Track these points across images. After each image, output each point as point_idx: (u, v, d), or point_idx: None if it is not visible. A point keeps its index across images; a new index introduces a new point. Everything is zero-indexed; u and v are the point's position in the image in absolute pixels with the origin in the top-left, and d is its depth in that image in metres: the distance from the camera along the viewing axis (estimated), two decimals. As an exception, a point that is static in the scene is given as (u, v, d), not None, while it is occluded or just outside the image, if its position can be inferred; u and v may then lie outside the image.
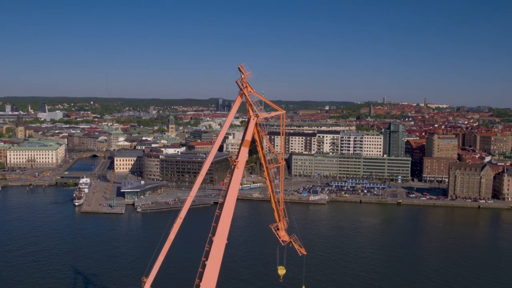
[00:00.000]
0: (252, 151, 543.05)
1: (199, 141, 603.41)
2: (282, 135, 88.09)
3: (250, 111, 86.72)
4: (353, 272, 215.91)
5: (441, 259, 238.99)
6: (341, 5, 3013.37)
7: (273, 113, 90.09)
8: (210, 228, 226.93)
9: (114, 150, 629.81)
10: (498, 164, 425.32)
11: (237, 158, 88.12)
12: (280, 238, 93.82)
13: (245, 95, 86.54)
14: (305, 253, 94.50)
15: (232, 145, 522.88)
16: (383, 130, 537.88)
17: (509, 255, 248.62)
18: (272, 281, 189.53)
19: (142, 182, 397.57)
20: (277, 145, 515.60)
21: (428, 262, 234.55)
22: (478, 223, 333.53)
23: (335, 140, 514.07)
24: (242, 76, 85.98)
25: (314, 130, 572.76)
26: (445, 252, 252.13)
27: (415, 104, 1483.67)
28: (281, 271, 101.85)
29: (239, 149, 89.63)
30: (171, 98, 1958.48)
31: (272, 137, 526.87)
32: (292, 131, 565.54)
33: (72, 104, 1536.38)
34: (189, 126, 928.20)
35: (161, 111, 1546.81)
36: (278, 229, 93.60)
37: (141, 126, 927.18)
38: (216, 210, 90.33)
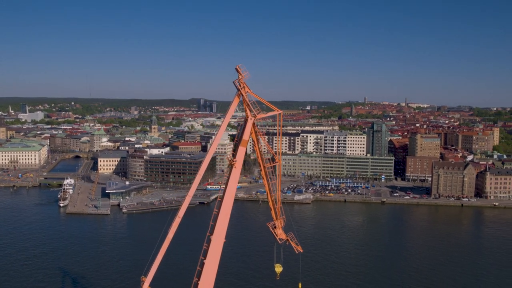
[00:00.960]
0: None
1: (182, 141, 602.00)
2: (279, 135, 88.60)
3: (248, 111, 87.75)
4: (339, 271, 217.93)
5: (426, 257, 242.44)
6: (320, 4, 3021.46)
7: (270, 113, 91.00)
8: (195, 228, 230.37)
9: (97, 151, 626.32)
10: (480, 163, 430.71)
11: (234, 157, 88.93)
12: (277, 236, 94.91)
13: (242, 95, 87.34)
14: (301, 251, 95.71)
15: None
16: (366, 129, 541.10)
17: (491, 253, 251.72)
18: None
19: (127, 182, 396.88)
20: (261, 145, 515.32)
21: (412, 260, 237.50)
22: (461, 221, 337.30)
23: (319, 140, 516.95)
24: (240, 76, 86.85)
25: (298, 130, 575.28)
26: (429, 250, 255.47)
27: (396, 104, 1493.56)
28: (278, 269, 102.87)
29: (236, 148, 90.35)
30: (152, 98, 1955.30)
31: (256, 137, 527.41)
32: (275, 131, 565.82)
33: (53, 104, 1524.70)
34: (171, 126, 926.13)
35: (142, 112, 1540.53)
36: (275, 227, 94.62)
37: (123, 127, 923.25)
38: (214, 209, 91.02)
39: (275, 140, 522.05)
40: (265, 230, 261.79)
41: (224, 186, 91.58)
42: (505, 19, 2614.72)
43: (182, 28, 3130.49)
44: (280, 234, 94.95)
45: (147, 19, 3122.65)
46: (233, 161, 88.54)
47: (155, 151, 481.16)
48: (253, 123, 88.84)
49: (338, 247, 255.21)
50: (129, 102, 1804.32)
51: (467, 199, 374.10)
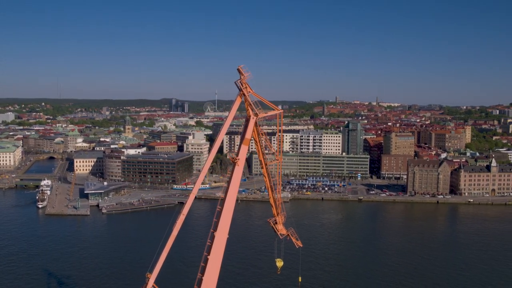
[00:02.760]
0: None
1: (158, 141, 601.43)
2: (279, 133, 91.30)
3: (250, 111, 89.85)
4: (321, 267, 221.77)
5: (403, 253, 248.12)
6: (289, 3, 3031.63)
7: (270, 113, 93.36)
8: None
9: (71, 151, 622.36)
10: (454, 160, 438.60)
11: (237, 155, 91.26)
12: (278, 231, 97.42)
13: (244, 95, 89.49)
14: (301, 245, 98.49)
15: (192, 145, 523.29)
16: (341, 128, 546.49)
17: (467, 248, 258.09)
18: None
19: (105, 183, 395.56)
20: (237, 144, 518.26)
21: (391, 256, 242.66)
22: (437, 217, 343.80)
23: (295, 139, 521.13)
24: (242, 77, 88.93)
25: (274, 129, 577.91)
26: (406, 246, 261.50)
27: (367, 103, 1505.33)
28: (279, 263, 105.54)
29: (239, 147, 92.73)
30: (123, 98, 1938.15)
31: (233, 137, 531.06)
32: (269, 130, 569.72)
33: (23, 105, 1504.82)
34: (144, 126, 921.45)
35: (114, 112, 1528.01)
36: (276, 223, 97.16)
37: (96, 127, 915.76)
38: (217, 206, 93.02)
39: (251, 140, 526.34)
40: (245, 228, 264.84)
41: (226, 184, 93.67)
42: (476, 19, 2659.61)
43: (151, 28, 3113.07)
44: (281, 229, 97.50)
45: (115, 20, 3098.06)
46: (236, 159, 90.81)
47: (131, 152, 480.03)
48: (255, 122, 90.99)
49: (320, 244, 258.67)
50: (100, 103, 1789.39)
51: (442, 196, 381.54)
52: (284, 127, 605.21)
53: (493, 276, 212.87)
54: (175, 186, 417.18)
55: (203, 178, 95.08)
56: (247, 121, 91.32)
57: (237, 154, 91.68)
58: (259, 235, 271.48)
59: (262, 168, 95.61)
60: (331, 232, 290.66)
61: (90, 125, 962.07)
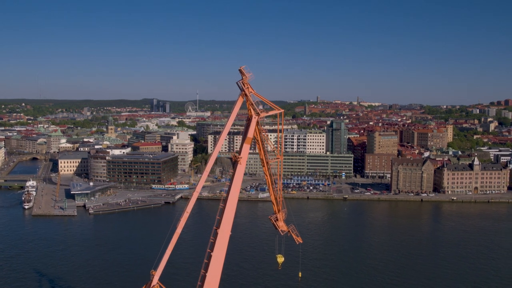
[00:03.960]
0: (197, 150, 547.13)
1: (142, 141, 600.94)
2: (280, 132, 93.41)
3: (252, 111, 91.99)
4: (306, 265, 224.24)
5: (389, 250, 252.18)
6: (269, 2, 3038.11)
7: (271, 112, 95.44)
8: (164, 227, 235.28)
9: (54, 152, 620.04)
10: (437, 159, 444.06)
11: (239, 154, 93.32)
12: (279, 228, 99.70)
13: (246, 95, 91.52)
14: (301, 241, 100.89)
15: (176, 145, 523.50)
16: (325, 128, 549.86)
17: (450, 245, 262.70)
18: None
19: (91, 183, 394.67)
20: (222, 144, 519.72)
21: (376, 253, 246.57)
22: (421, 215, 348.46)
23: (276, 139, 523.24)
24: (243, 77, 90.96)
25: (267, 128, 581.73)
26: (391, 243, 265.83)
27: (348, 103, 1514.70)
28: (280, 259, 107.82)
29: (241, 146, 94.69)
30: (104, 99, 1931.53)
31: (217, 137, 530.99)
32: (236, 131, 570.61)
33: (3, 106, 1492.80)
34: (127, 127, 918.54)
35: (94, 112, 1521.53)
36: (277, 219, 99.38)
37: (78, 128, 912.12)
38: (219, 204, 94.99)
39: (235, 140, 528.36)
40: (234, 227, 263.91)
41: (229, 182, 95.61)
42: (456, 19, 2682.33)
43: (129, 29, 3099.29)
44: (281, 226, 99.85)
45: (94, 20, 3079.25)
46: (238, 157, 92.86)
47: (116, 152, 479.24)
48: (257, 122, 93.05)
49: (306, 243, 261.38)
50: (81, 103, 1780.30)
51: (426, 194, 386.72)
52: (268, 127, 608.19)
53: (476, 272, 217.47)
54: (153, 186, 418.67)
55: (206, 177, 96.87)
56: (249, 120, 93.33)
57: (239, 153, 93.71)
58: (243, 234, 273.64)
59: (263, 166, 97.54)
60: (315, 230, 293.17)
61: (72, 126, 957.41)
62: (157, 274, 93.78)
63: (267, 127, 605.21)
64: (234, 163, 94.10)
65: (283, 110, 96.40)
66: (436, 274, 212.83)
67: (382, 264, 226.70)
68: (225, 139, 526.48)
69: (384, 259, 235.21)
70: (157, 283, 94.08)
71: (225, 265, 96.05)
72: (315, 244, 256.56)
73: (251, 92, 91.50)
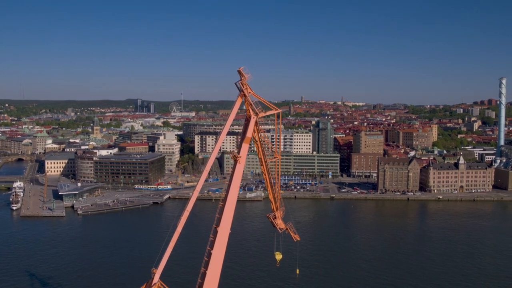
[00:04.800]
0: (184, 151, 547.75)
1: (129, 142, 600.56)
2: (278, 132, 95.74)
3: (250, 111, 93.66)
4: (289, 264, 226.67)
5: (376, 248, 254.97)
6: (249, 2, 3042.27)
7: (269, 112, 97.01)
8: (152, 227, 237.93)
9: (40, 153, 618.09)
10: (422, 158, 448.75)
11: (239, 153, 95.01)
12: (277, 226, 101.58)
13: (245, 96, 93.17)
14: (299, 239, 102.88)
15: (163, 146, 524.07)
16: (311, 128, 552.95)
17: (436, 242, 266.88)
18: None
19: (79, 184, 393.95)
20: (209, 144, 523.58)
21: (363, 251, 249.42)
22: (408, 214, 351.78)
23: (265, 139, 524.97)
24: (242, 78, 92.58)
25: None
26: (380, 242, 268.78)
27: (332, 102, 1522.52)
28: (278, 256, 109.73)
29: (240, 145, 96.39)
30: (88, 99, 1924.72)
31: (204, 137, 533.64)
32: (220, 131, 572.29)
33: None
34: (112, 127, 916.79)
35: (78, 113, 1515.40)
36: (275, 217, 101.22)
37: (63, 129, 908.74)
38: (219, 202, 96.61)
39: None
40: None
41: (228, 180, 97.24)
42: (438, 18, 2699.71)
43: (112, 29, 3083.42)
44: (279, 224, 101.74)
45: (76, 20, 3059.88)
46: (237, 157, 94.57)
47: (104, 152, 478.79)
48: (256, 122, 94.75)
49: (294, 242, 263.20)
50: (65, 104, 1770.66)
51: (412, 193, 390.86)
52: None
53: (463, 269, 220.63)
54: (136, 186, 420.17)
55: (206, 176, 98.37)
56: (248, 120, 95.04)
57: (238, 152, 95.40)
58: (232, 233, 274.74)
59: (261, 165, 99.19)
60: (304, 230, 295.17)
61: (57, 127, 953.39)
62: (158, 272, 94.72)
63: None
64: (234, 162, 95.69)
65: (280, 110, 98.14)
66: (422, 272, 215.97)
67: (369, 261, 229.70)
68: (212, 139, 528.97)
69: (372, 256, 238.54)
70: (158, 281, 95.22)
71: (223, 262, 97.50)
72: (305, 242, 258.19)
73: (249, 92, 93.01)
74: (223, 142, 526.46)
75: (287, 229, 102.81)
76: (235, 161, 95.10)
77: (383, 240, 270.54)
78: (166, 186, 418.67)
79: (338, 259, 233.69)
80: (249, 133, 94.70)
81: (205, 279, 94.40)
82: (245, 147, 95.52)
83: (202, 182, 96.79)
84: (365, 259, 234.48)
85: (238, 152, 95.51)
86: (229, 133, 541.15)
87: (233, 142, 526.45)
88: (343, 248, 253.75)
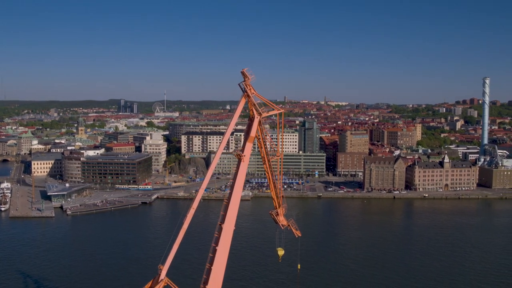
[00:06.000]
0: (170, 151, 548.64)
1: (115, 142, 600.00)
2: (280, 132, 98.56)
3: (254, 111, 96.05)
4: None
5: (367, 246, 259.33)
6: (229, 2, 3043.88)
7: (272, 112, 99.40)
8: (141, 227, 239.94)
9: (25, 154, 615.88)
10: (407, 157, 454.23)
11: (243, 152, 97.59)
12: (279, 222, 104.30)
13: (248, 96, 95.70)
14: (300, 235, 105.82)
15: (150, 146, 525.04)
16: (297, 128, 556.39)
17: (422, 239, 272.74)
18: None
19: (67, 185, 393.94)
20: (195, 145, 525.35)
21: (349, 249, 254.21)
22: (394, 212, 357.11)
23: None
24: (246, 79, 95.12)
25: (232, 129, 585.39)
26: (366, 239, 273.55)
27: (315, 102, 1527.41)
28: (280, 252, 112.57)
29: (244, 144, 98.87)
30: (70, 99, 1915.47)
31: (191, 137, 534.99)
32: (209, 131, 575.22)
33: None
34: (96, 128, 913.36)
35: (61, 113, 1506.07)
36: (277, 214, 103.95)
37: (47, 129, 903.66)
38: (224, 200, 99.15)
39: (209, 140, 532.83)
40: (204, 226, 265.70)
41: (233, 179, 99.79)
42: (419, 18, 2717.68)
43: (94, 28, 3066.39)
44: (282, 220, 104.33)
45: (55, 21, 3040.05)
46: (241, 155, 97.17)
47: (91, 153, 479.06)
48: (259, 121, 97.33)
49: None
50: (47, 104, 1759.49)
51: (398, 192, 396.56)
52: (240, 127, 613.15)
53: (449, 266, 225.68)
54: (117, 186, 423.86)
55: (211, 174, 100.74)
56: (251, 120, 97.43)
57: (242, 151, 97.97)
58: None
59: (264, 164, 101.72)
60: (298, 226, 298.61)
61: (40, 127, 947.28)
62: (164, 269, 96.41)
63: (239, 126, 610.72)
64: (238, 160, 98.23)
65: (283, 110, 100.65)
66: (408, 268, 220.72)
67: (356, 259, 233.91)
68: (199, 139, 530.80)
69: (359, 255, 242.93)
70: (165, 277, 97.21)
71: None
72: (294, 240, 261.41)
73: (253, 93, 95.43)
74: (209, 143, 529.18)
75: (289, 225, 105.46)
76: (239, 160, 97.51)
77: (370, 238, 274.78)
78: (147, 186, 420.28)
79: (329, 257, 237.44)
80: (253, 132, 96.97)
81: (210, 274, 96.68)
82: (249, 146, 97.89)
83: (207, 180, 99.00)
84: (352, 258, 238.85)
85: (242, 151, 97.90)
86: (215, 133, 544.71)
87: (220, 142, 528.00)
88: (332, 246, 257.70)
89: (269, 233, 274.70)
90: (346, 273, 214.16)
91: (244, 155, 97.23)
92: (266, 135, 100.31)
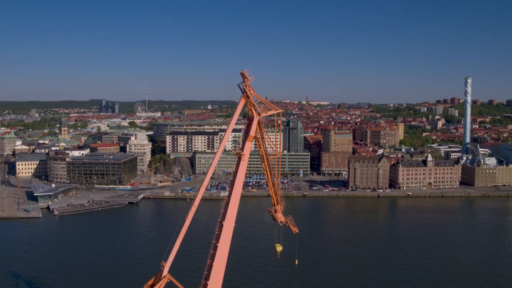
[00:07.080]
0: (155, 151, 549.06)
1: (99, 142, 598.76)
2: (278, 132, 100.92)
3: (253, 111, 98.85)
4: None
5: (350, 243, 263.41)
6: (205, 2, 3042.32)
7: (270, 112, 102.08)
8: (129, 226, 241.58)
9: (8, 154, 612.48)
10: (391, 156, 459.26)
11: (242, 151, 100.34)
12: (277, 219, 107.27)
13: (248, 97, 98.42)
14: (297, 231, 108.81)
15: (135, 146, 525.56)
16: (282, 127, 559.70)
17: (406, 237, 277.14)
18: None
19: (53, 185, 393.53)
20: (180, 144, 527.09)
21: (336, 247, 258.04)
22: (378, 210, 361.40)
23: (237, 138, 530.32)
24: (245, 80, 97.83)
25: (216, 128, 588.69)
26: (352, 237, 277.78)
27: (297, 102, 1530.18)
28: (279, 248, 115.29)
29: (243, 143, 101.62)
30: (51, 100, 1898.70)
31: (176, 137, 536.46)
32: (194, 131, 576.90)
33: None
34: (78, 128, 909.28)
35: (43, 114, 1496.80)
36: (275, 211, 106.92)
37: (29, 130, 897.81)
38: (224, 198, 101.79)
39: (194, 139, 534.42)
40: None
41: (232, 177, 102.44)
42: (401, 17, 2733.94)
43: (75, 29, 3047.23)
44: (280, 217, 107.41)
45: (35, 21, 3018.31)
46: (241, 154, 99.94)
47: (76, 153, 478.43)
48: (258, 121, 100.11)
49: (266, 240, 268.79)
50: (27, 104, 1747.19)
51: (382, 190, 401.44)
52: (224, 127, 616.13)
53: (433, 262, 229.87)
54: (96, 186, 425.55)
55: (211, 173, 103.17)
56: (251, 120, 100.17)
57: (242, 150, 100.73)
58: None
59: (263, 162, 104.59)
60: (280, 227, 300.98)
61: (22, 128, 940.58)
62: (167, 266, 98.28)
63: (223, 126, 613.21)
64: (238, 159, 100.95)
65: (281, 110, 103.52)
66: (393, 265, 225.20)
67: (344, 256, 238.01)
68: (184, 139, 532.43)
69: (346, 252, 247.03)
70: (167, 274, 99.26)
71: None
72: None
73: (252, 93, 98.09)
74: (194, 142, 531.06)
75: (287, 222, 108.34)
76: (239, 159, 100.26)
77: (358, 236, 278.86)
78: (126, 187, 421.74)
79: (320, 254, 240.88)
80: (252, 132, 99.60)
81: (211, 270, 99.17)
82: (248, 145, 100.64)
83: (208, 179, 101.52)
84: (343, 254, 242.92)
85: (242, 150, 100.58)
86: (200, 133, 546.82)
87: (205, 142, 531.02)
88: (318, 245, 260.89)
89: (253, 232, 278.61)
90: (332, 272, 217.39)
91: (244, 154, 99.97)
92: (265, 134, 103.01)
